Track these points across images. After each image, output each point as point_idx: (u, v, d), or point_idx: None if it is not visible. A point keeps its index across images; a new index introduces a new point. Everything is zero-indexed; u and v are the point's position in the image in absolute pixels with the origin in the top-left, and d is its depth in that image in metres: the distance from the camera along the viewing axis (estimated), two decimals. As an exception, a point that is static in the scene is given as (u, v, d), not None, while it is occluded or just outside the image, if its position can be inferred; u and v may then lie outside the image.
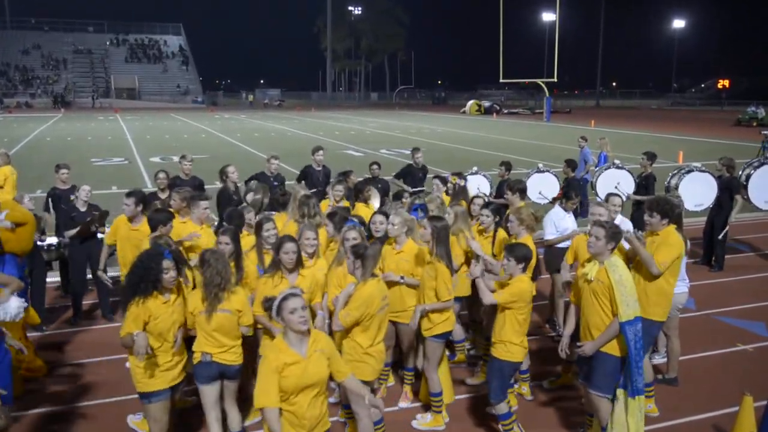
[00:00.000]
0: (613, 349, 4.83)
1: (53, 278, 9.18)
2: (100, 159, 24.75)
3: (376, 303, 4.82)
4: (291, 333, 3.78)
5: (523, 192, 7.60)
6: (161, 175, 8.82)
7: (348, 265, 4.98)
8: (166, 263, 4.53)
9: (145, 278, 4.49)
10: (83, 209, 8.22)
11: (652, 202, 5.70)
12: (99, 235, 8.10)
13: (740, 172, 10.66)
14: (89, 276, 8.38)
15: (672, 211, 5.58)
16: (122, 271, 6.86)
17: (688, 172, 10.46)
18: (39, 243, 8.05)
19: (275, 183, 9.50)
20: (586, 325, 4.97)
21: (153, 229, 6.10)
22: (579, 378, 5.24)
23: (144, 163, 23.59)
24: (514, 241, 5.89)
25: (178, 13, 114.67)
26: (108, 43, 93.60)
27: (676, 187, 10.33)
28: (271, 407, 3.65)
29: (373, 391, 5.05)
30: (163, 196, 8.48)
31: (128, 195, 6.99)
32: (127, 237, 6.84)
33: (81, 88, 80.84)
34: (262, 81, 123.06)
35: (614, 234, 4.84)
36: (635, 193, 10.44)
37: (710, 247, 10.59)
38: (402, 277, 5.71)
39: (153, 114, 58.77)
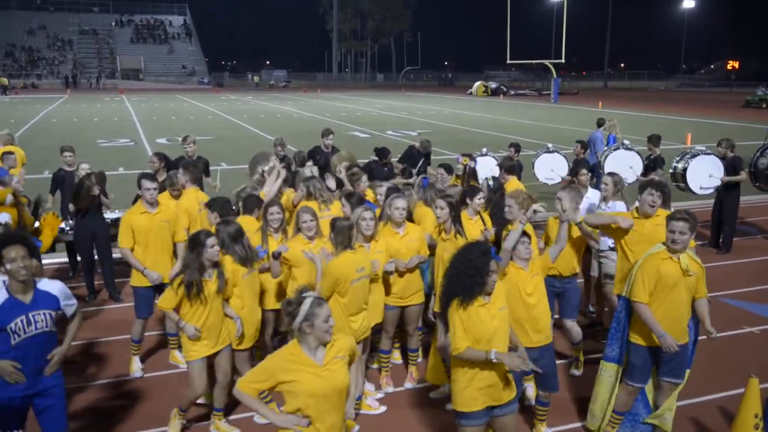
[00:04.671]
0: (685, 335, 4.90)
1: (53, 260, 9.25)
2: (106, 140, 24.76)
3: (350, 275, 5.04)
4: (311, 339, 3.54)
5: (514, 170, 7.69)
6: (154, 158, 8.73)
7: (330, 238, 5.22)
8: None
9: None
10: None
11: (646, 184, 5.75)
12: (108, 215, 8.08)
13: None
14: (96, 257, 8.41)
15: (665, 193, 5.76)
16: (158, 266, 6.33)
17: (694, 156, 10.38)
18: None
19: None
20: (680, 320, 4.82)
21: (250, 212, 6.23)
22: (664, 378, 4.96)
23: (150, 144, 23.58)
24: (510, 228, 5.52)
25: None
26: (113, 23, 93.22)
27: (684, 171, 10.28)
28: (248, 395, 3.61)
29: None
30: (159, 178, 8.42)
31: (147, 177, 6.47)
32: (148, 227, 6.31)
33: (87, 70, 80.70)
34: (267, 62, 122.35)
35: (695, 224, 4.77)
36: (643, 174, 10.39)
37: (719, 229, 10.56)
38: (420, 256, 5.79)
39: (159, 95, 58.69)
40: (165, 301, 5.04)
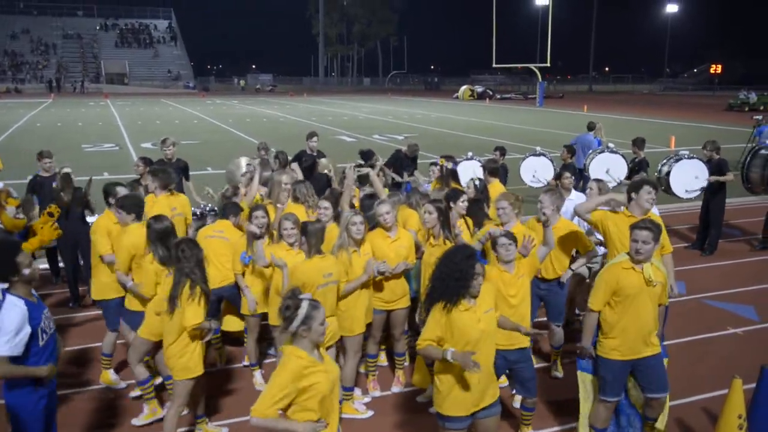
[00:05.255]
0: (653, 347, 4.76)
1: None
2: (90, 145, 24.55)
3: (317, 280, 5.05)
4: (307, 342, 3.50)
5: (497, 173, 7.73)
6: (139, 163, 8.69)
7: (301, 242, 5.22)
8: None
9: None
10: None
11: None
12: (91, 219, 8.03)
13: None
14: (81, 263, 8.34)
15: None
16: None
17: (677, 160, 10.41)
18: None
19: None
20: (645, 332, 4.67)
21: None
22: (648, 395, 4.86)
23: (135, 149, 23.42)
24: (491, 227, 5.67)
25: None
26: (98, 27, 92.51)
27: (667, 175, 10.32)
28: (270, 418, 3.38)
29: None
30: (144, 183, 8.39)
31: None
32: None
33: (71, 74, 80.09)
34: (253, 66, 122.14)
35: (659, 233, 4.68)
36: (627, 178, 10.45)
37: (705, 231, 10.65)
38: (407, 263, 5.76)
39: (144, 99, 58.34)
40: (195, 317, 4.71)
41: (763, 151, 10.95)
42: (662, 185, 10.56)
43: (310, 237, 5.12)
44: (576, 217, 6.07)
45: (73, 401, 5.92)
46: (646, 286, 4.59)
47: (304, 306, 3.50)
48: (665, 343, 5.21)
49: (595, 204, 5.75)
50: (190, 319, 4.65)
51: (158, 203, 6.91)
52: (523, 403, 5.23)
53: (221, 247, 6.19)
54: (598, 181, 7.05)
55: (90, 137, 27.13)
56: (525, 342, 4.92)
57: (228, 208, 6.43)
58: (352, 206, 6.55)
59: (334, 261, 5.29)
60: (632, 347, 4.66)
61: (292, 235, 5.46)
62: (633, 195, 5.67)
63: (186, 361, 4.80)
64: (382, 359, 6.52)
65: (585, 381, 5.09)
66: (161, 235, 5.27)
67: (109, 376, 6.24)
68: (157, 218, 5.43)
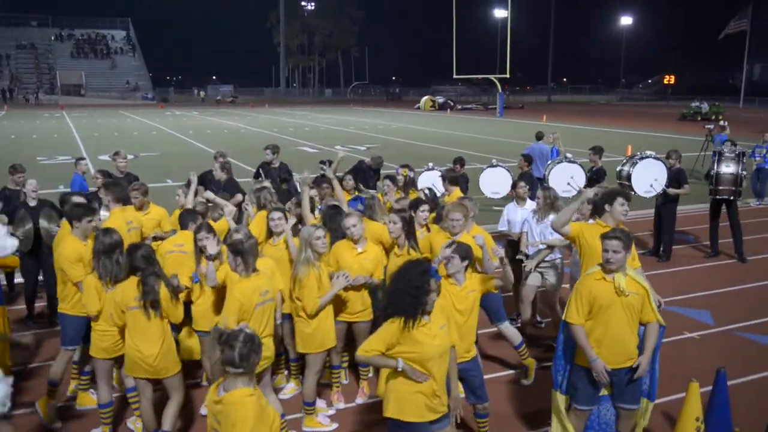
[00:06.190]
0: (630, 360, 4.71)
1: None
2: (45, 157, 24.02)
3: (254, 298, 4.84)
4: (246, 378, 3.35)
5: (457, 181, 7.82)
6: (98, 175, 8.53)
7: (230, 264, 4.98)
8: None
9: None
10: (33, 204, 7.92)
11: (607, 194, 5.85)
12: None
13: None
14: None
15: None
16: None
17: (643, 158, 10.50)
18: None
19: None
20: (620, 343, 4.64)
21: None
22: (618, 404, 4.86)
23: (93, 161, 22.94)
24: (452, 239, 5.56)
25: (127, 6, 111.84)
26: (53, 37, 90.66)
27: (628, 175, 10.44)
28: None
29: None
30: (101, 196, 8.23)
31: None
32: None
33: (24, 85, 78.25)
34: (214, 77, 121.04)
35: (630, 241, 4.68)
36: (586, 186, 10.61)
37: (660, 237, 10.89)
38: (369, 277, 5.72)
39: (101, 111, 57.27)
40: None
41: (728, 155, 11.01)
42: (622, 179, 10.63)
43: (246, 255, 4.86)
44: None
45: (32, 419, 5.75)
46: (619, 296, 4.58)
47: (246, 332, 3.38)
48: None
49: (570, 213, 5.66)
50: (181, 316, 5.03)
51: (113, 216, 6.74)
52: (476, 411, 5.21)
53: (181, 262, 5.94)
54: (545, 189, 7.22)
55: (45, 149, 26.52)
56: (475, 351, 4.98)
57: (184, 217, 6.23)
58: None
59: (269, 278, 5.11)
60: (606, 358, 4.63)
61: (279, 225, 5.75)
62: (607, 207, 5.71)
63: (174, 354, 5.16)
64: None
65: (557, 400, 5.05)
66: (107, 249, 5.16)
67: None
68: (106, 231, 5.33)
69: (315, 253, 5.38)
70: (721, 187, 10.63)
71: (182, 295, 5.41)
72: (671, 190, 10.38)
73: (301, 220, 6.34)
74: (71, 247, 5.58)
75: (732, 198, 10.58)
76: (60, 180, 18.02)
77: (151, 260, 5.00)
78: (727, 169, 10.53)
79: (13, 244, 5.82)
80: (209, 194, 7.49)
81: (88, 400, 5.99)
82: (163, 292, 4.91)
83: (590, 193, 6.06)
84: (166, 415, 5.12)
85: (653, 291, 4.91)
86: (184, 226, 6.18)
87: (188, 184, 7.46)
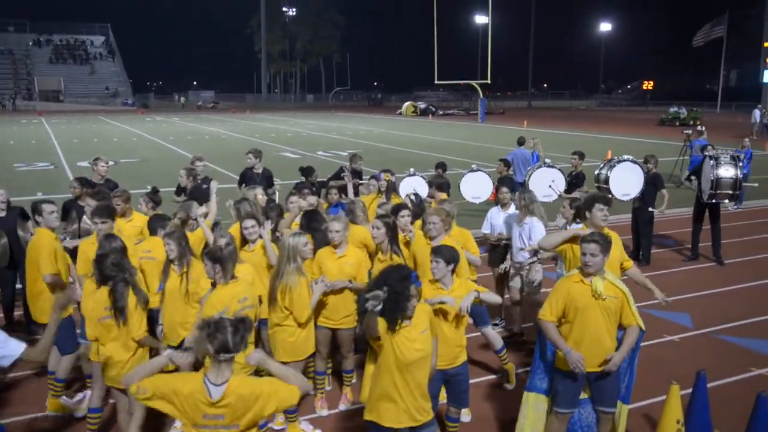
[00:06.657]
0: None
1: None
2: (23, 164, 23.72)
3: (232, 306, 4.75)
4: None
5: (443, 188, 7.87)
6: (75, 183, 8.43)
7: (207, 272, 4.93)
8: None
9: None
10: (3, 214, 7.81)
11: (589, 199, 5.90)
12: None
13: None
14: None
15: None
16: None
17: (620, 161, 10.56)
18: None
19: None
20: (597, 345, 4.67)
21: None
22: (596, 406, 4.93)
23: (71, 168, 22.72)
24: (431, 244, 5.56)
25: (106, 12, 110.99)
26: (31, 43, 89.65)
27: (606, 179, 10.52)
28: None
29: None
30: (82, 203, 8.14)
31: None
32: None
33: (1, 91, 77.27)
34: (195, 82, 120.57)
35: (608, 245, 4.71)
36: (566, 191, 10.70)
37: (638, 241, 10.99)
38: (350, 282, 5.69)
39: (80, 117, 56.72)
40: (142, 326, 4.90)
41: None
42: (600, 182, 10.69)
43: (225, 262, 4.82)
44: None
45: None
46: (596, 299, 4.62)
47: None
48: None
49: (561, 239, 5.65)
50: (140, 328, 4.83)
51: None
52: (449, 414, 5.17)
53: (150, 270, 5.88)
54: (522, 192, 7.39)
55: (23, 156, 26.18)
56: (464, 356, 4.94)
57: (153, 222, 6.16)
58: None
59: (248, 285, 5.07)
60: (585, 360, 4.66)
61: (253, 234, 5.81)
62: (587, 213, 5.76)
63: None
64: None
65: (528, 400, 5.11)
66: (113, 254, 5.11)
67: (59, 402, 5.96)
68: (108, 236, 5.38)
69: (302, 259, 5.37)
70: (720, 191, 10.72)
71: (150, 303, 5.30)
72: (660, 210, 10.64)
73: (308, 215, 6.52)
74: (46, 240, 5.78)
75: (727, 201, 10.77)
76: (38, 187, 17.83)
77: (121, 266, 4.86)
78: (727, 173, 10.66)
79: None
80: (203, 209, 7.24)
81: (59, 407, 5.93)
82: (131, 299, 4.78)
83: (581, 233, 6.01)
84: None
85: (658, 290, 5.33)
86: (153, 232, 6.10)
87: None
